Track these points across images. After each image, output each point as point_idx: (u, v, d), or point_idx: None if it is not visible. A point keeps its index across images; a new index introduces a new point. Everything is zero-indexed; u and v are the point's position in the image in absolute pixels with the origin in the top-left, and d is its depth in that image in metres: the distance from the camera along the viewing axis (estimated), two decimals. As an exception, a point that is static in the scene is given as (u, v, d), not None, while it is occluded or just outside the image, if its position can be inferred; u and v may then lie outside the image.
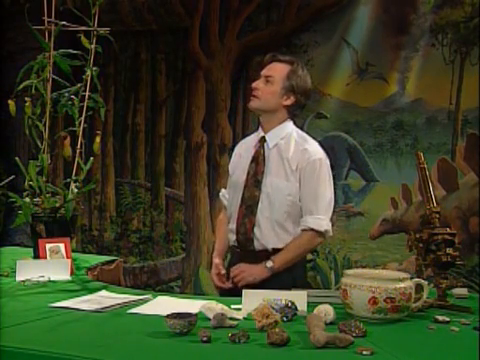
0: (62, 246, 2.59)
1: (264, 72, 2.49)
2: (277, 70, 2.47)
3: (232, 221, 2.51)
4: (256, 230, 2.43)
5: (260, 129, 2.54)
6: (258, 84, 2.47)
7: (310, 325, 1.56)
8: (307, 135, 2.54)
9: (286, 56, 2.53)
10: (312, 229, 2.40)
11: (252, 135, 2.64)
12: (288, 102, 2.46)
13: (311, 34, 4.73)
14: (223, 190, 2.73)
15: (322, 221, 2.40)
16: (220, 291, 2.52)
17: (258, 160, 2.48)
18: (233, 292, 2.30)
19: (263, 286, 2.23)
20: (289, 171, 2.42)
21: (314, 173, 2.40)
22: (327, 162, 2.46)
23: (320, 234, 2.41)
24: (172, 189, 5.43)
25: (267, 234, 2.42)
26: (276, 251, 2.41)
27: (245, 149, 2.59)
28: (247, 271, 2.38)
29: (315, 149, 2.46)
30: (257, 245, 2.44)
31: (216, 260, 2.53)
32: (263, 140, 2.50)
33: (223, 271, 2.47)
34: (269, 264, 2.37)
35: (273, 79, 2.45)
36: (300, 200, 2.42)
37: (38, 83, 2.71)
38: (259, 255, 2.42)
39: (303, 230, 2.42)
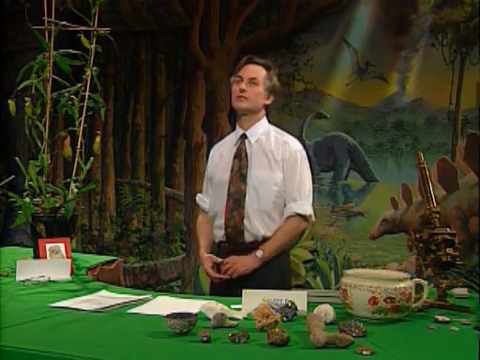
0: (62, 246, 2.59)
1: (246, 75, 2.58)
2: (258, 72, 2.59)
3: (219, 217, 2.57)
4: (246, 222, 2.50)
5: (238, 128, 2.64)
6: (245, 86, 2.56)
7: (310, 325, 1.56)
8: (282, 130, 2.67)
9: (261, 59, 2.63)
10: (297, 214, 2.51)
11: (229, 136, 2.75)
12: (268, 101, 2.62)
13: (311, 34, 4.73)
14: (199, 195, 2.79)
15: (306, 206, 2.53)
16: (216, 285, 2.51)
17: (241, 156, 2.57)
18: (228, 286, 2.36)
19: (253, 274, 2.39)
20: (273, 163, 2.54)
21: (296, 164, 2.55)
22: (304, 154, 2.61)
23: (305, 219, 2.53)
24: (172, 189, 5.43)
25: (257, 225, 2.49)
26: (265, 240, 2.49)
27: (226, 148, 2.67)
28: (239, 262, 2.44)
29: (294, 142, 2.62)
30: (247, 236, 2.50)
31: (206, 254, 2.57)
32: (244, 137, 2.60)
33: (219, 260, 2.50)
34: (259, 254, 2.45)
35: (257, 81, 2.57)
36: (284, 190, 2.52)
37: (38, 83, 2.72)
38: (249, 247, 2.48)
39: (288, 217, 2.51)
